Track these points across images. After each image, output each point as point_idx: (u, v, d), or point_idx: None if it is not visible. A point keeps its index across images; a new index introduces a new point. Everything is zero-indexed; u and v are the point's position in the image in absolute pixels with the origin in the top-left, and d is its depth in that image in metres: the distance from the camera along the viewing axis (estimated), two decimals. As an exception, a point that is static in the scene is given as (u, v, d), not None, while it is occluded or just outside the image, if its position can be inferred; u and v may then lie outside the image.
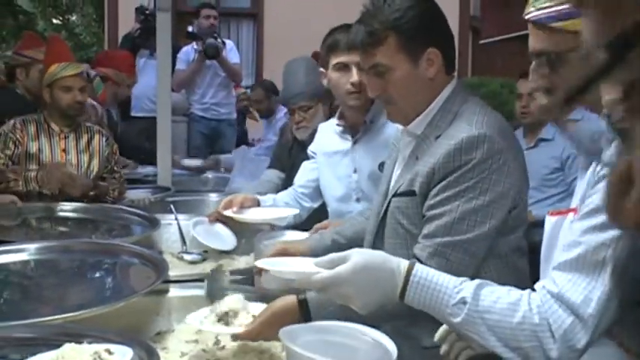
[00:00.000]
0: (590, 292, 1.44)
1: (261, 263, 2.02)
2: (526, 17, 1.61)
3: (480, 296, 1.55)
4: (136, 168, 5.61)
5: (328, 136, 3.22)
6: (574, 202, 1.66)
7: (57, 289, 2.46)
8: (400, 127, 2.33)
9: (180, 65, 6.96)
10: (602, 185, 1.44)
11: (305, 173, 3.29)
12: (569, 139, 1.60)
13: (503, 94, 5.89)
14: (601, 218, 1.43)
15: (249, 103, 7.30)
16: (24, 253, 2.68)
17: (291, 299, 1.98)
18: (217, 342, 2.11)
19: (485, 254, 1.98)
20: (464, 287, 1.57)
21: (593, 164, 1.52)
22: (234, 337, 2.01)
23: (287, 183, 3.85)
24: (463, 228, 1.97)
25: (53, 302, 2.32)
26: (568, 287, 1.48)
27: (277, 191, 3.71)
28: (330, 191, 3.15)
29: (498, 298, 1.55)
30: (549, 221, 1.71)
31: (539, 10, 1.57)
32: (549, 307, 1.50)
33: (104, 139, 4.28)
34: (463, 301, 1.55)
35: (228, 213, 2.97)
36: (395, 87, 2.13)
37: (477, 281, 1.59)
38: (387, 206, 2.20)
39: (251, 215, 3.01)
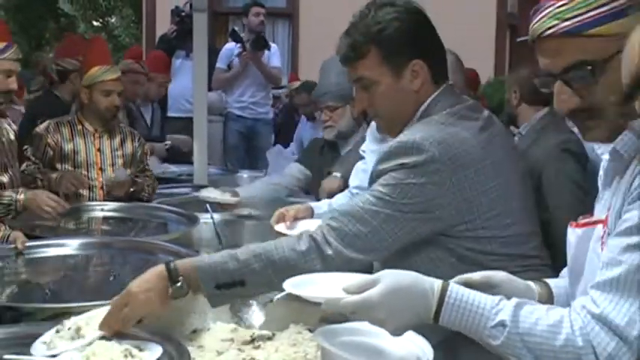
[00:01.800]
0: (633, 313, 1.39)
1: (289, 286, 1.96)
2: (549, 33, 1.53)
3: (520, 317, 1.50)
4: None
5: (373, 133, 3.21)
6: (602, 213, 1.60)
7: (92, 285, 2.48)
8: None
9: (220, 64, 7.01)
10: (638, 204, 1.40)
11: (357, 174, 3.27)
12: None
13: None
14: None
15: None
16: (68, 247, 2.77)
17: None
18: (253, 341, 2.10)
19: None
20: (502, 307, 1.52)
21: (629, 176, 1.46)
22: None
23: (312, 181, 3.85)
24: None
25: (88, 297, 2.33)
26: (610, 308, 1.43)
27: (299, 186, 3.72)
28: None
29: (538, 319, 1.50)
30: (574, 233, 1.64)
31: (566, 20, 1.49)
32: (591, 329, 1.44)
33: (137, 139, 4.34)
34: (502, 324, 1.50)
35: (278, 228, 2.94)
36: (379, 100, 2.13)
37: (514, 300, 1.54)
38: None
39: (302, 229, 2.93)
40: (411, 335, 1.70)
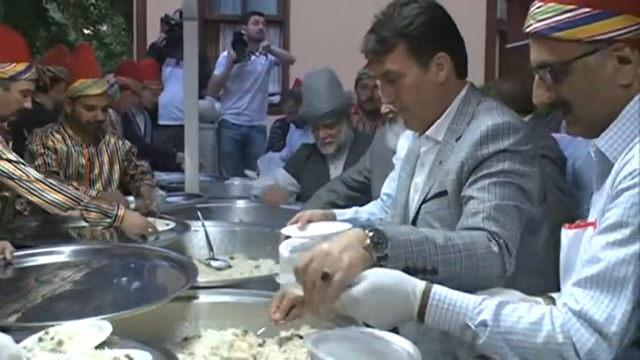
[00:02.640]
0: (612, 309, 1.41)
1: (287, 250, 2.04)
2: (526, 30, 1.60)
3: (501, 316, 1.52)
4: None
5: (403, 142, 3.20)
6: (592, 216, 1.62)
7: (87, 290, 2.48)
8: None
9: (217, 71, 7.06)
10: (622, 199, 1.42)
11: (389, 182, 3.27)
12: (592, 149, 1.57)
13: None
14: (622, 233, 1.41)
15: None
16: (61, 255, 2.78)
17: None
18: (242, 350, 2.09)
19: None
20: (484, 307, 1.54)
21: (612, 177, 1.48)
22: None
23: (301, 187, 3.85)
24: (512, 195, 1.94)
25: (82, 303, 2.33)
26: (590, 305, 1.45)
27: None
28: None
29: (520, 317, 1.52)
30: (566, 234, 1.67)
31: (540, 21, 1.55)
32: (572, 325, 1.46)
33: (119, 140, 4.36)
34: (484, 324, 1.52)
35: (285, 230, 2.90)
36: (406, 92, 2.14)
37: (497, 300, 1.56)
38: (417, 214, 2.18)
39: (309, 232, 2.91)
40: (398, 340, 1.71)
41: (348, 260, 1.64)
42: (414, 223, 2.19)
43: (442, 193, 2.08)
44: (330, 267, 1.63)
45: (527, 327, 1.49)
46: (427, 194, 2.14)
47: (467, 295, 1.57)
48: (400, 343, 1.69)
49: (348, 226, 2.83)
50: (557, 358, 1.46)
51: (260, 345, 2.10)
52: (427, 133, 2.19)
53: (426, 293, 1.57)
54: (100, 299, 2.39)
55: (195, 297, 2.44)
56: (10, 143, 3.52)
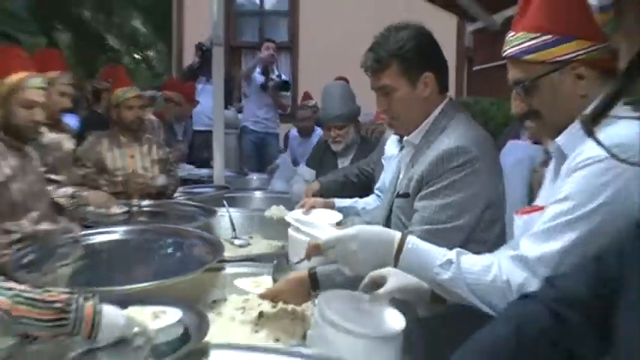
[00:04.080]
0: (546, 253, 1.41)
1: (291, 219, 2.16)
2: (504, 55, 1.60)
3: (462, 259, 1.53)
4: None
5: (394, 142, 3.23)
6: (540, 201, 1.62)
7: (137, 262, 2.51)
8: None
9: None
10: (571, 179, 1.41)
11: (382, 178, 3.26)
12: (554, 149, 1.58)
13: (492, 111, 5.92)
14: (566, 205, 1.40)
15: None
16: (116, 234, 2.78)
17: (304, 272, 2.01)
18: (260, 312, 2.11)
19: (463, 244, 1.86)
20: (448, 252, 1.56)
21: (566, 164, 1.48)
22: (260, 296, 2.04)
23: (317, 177, 3.90)
24: (442, 218, 1.94)
25: (135, 272, 2.37)
26: (526, 248, 1.46)
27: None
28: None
29: (475, 261, 1.53)
30: (520, 219, 1.65)
31: (513, 46, 1.56)
32: (510, 265, 1.48)
33: (161, 148, 4.32)
34: (449, 262, 1.53)
35: (292, 214, 2.84)
36: (397, 104, 2.11)
37: (457, 249, 1.57)
38: (392, 205, 2.19)
39: (311, 217, 2.83)
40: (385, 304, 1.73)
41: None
42: (390, 212, 2.19)
43: (406, 195, 2.08)
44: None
45: (480, 269, 1.51)
46: (399, 191, 2.14)
47: (434, 245, 1.59)
48: (391, 310, 1.72)
49: (340, 216, 2.87)
50: (500, 293, 1.46)
51: (273, 307, 2.13)
52: (408, 137, 2.17)
53: (402, 241, 1.57)
54: (148, 269, 2.43)
55: (222, 268, 2.47)
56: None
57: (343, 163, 4.02)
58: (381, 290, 1.73)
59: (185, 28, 9.12)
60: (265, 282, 2.11)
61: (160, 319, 1.66)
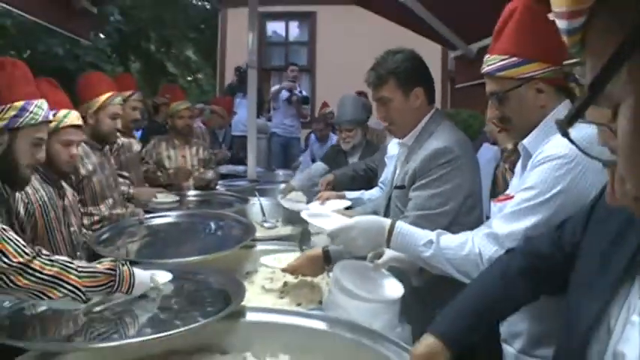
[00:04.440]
0: (514, 231, 1.41)
1: (305, 215, 2.12)
2: (482, 72, 1.58)
3: (441, 238, 1.54)
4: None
5: (392, 145, 3.16)
6: (511, 191, 1.59)
7: (186, 239, 2.51)
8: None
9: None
10: (534, 171, 1.40)
11: (385, 174, 3.22)
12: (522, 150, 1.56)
13: (469, 120, 5.90)
14: (530, 193, 1.40)
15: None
16: (170, 217, 2.83)
17: (319, 249, 2.00)
18: (285, 282, 2.10)
19: (448, 226, 1.84)
20: (429, 234, 1.56)
21: (531, 161, 1.46)
22: (283, 270, 2.03)
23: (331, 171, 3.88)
24: (432, 205, 1.91)
25: (184, 248, 2.36)
26: (498, 226, 1.45)
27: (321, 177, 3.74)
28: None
29: (453, 239, 1.53)
30: (495, 206, 1.64)
31: (488, 65, 1.54)
32: (482, 240, 1.47)
33: (206, 150, 4.35)
34: (430, 242, 1.53)
35: (310, 205, 2.81)
36: (393, 112, 2.08)
37: (438, 230, 1.58)
38: (390, 196, 2.16)
39: (325, 207, 2.86)
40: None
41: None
42: (389, 201, 2.15)
43: (402, 187, 2.04)
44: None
45: (456, 245, 1.51)
46: (396, 183, 2.11)
47: (417, 228, 1.60)
48: (392, 279, 1.72)
49: (349, 202, 2.85)
50: (474, 264, 1.46)
51: (296, 277, 2.10)
52: (404, 140, 2.14)
53: (392, 226, 1.59)
54: (195, 246, 2.41)
55: (254, 245, 2.46)
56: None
57: (352, 161, 3.98)
58: (381, 260, 1.73)
59: (227, 55, 9.16)
60: (286, 258, 2.08)
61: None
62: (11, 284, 1.39)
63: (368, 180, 3.47)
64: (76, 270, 1.48)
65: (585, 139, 0.66)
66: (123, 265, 1.60)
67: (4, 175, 1.76)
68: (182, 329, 1.36)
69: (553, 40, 1.03)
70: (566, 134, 0.62)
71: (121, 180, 3.21)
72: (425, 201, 1.92)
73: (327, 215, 2.15)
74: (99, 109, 2.86)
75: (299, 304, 1.88)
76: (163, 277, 1.71)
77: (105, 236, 2.49)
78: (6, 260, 1.38)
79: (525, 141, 1.53)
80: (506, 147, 2.74)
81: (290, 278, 2.09)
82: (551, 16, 0.67)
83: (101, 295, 1.54)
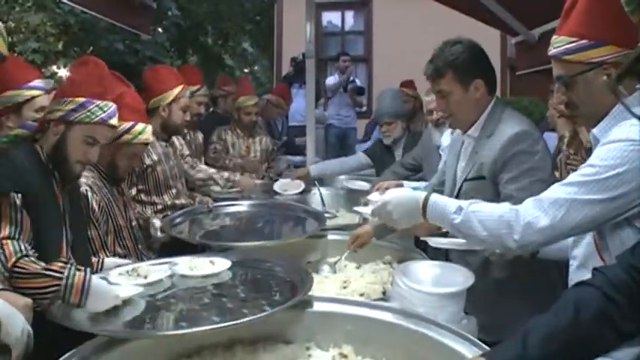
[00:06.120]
0: (559, 197, 1.35)
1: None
2: (549, 54, 1.50)
3: (472, 204, 1.51)
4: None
5: (445, 138, 3.10)
6: None
7: (257, 226, 2.62)
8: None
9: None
10: (599, 150, 1.34)
11: (437, 174, 3.19)
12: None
13: (530, 108, 5.69)
14: (592, 169, 1.33)
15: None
16: (242, 206, 2.93)
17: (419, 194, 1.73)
18: (347, 278, 2.07)
19: None
20: (461, 202, 1.54)
21: (598, 146, 1.39)
22: (372, 213, 1.89)
23: (375, 166, 3.89)
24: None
25: (254, 234, 2.46)
26: (547, 193, 1.40)
27: (359, 167, 3.86)
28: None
29: (486, 204, 1.51)
30: None
31: (555, 47, 1.46)
32: (526, 204, 1.42)
33: (267, 139, 4.47)
34: (460, 208, 1.51)
35: (370, 196, 2.84)
36: (453, 105, 2.03)
37: (471, 200, 1.55)
38: (460, 189, 2.09)
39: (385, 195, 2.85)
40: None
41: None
42: (458, 193, 2.09)
43: (481, 177, 1.99)
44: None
45: (490, 208, 1.48)
46: (468, 175, 2.05)
47: (451, 199, 1.60)
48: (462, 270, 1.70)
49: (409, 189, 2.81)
50: (507, 224, 1.41)
51: (357, 268, 2.11)
52: (468, 132, 2.07)
53: (425, 199, 1.59)
54: (264, 232, 2.51)
55: (324, 235, 2.50)
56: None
57: (397, 152, 3.91)
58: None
59: (283, 47, 9.16)
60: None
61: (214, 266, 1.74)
62: None
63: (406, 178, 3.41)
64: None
65: None
66: (78, 269, 1.45)
67: (56, 166, 1.79)
68: (250, 318, 1.36)
69: (627, 22, 0.97)
70: (615, 91, 0.57)
71: (212, 170, 3.43)
72: (531, 188, 1.80)
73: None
74: (172, 101, 2.92)
75: (361, 295, 1.88)
76: (128, 291, 1.53)
77: (177, 221, 2.61)
78: None
79: (596, 130, 1.45)
80: (564, 134, 2.65)
81: (352, 267, 2.09)
82: None
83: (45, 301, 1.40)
